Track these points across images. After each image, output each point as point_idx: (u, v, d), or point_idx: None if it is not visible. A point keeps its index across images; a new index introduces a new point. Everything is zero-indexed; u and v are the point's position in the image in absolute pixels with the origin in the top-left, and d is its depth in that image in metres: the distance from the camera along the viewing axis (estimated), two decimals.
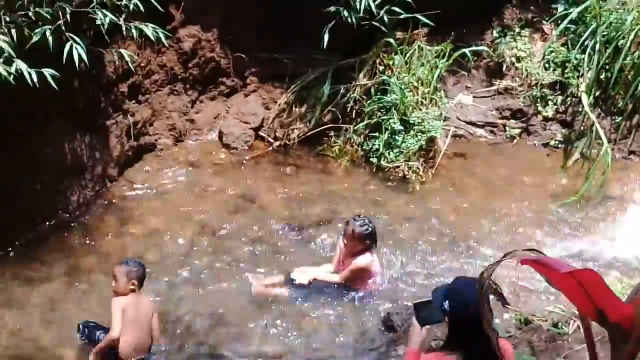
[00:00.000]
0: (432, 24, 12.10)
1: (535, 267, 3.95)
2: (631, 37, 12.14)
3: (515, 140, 12.93)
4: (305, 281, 9.37)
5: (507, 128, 12.99)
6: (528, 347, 7.49)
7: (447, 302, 4.55)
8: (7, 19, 8.20)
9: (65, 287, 9.36)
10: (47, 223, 10.28)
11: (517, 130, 12.95)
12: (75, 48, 8.50)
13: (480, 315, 4.37)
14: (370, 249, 9.25)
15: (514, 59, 13.16)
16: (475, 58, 13.00)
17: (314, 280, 9.42)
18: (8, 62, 7.90)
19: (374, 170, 12.09)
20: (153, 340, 8.28)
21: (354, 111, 12.47)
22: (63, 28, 8.53)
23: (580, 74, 12.66)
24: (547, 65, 13.02)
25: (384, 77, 12.21)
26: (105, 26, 9.10)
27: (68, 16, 8.59)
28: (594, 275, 3.64)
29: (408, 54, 12.35)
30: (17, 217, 9.84)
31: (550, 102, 12.89)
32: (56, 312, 8.96)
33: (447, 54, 12.52)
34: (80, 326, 8.38)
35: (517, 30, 13.36)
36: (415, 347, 5.01)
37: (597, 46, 12.33)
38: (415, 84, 12.26)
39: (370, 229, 9.13)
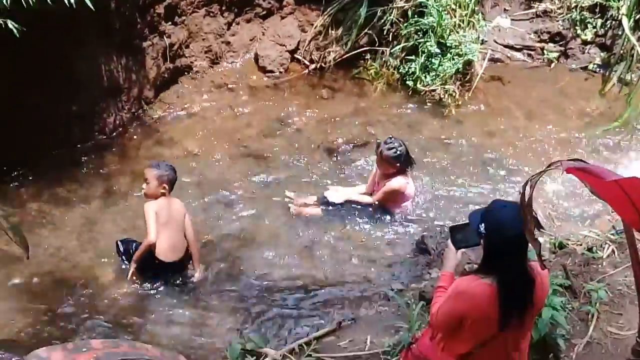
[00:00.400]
0: None
1: (580, 176, 3.89)
2: None
3: (553, 64, 12.82)
4: (339, 200, 9.41)
5: (545, 51, 12.86)
6: (562, 271, 7.49)
7: (483, 224, 4.53)
8: None
9: (101, 208, 9.46)
10: (84, 144, 10.35)
11: (555, 54, 12.83)
12: None
13: (517, 237, 4.39)
14: (405, 172, 9.24)
15: None
16: None
17: (347, 201, 9.47)
18: None
19: (410, 93, 12.05)
20: (188, 243, 8.37)
21: (391, 34, 12.36)
22: None
23: None
24: None
25: None
26: None
27: None
28: None
29: None
30: (55, 138, 9.92)
31: (589, 25, 12.70)
32: (93, 232, 9.07)
33: None
34: (118, 242, 8.48)
35: None
36: (450, 270, 5.02)
37: None
38: (453, 6, 12.11)
39: (399, 152, 9.08)
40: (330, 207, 9.46)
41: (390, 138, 9.23)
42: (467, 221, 4.79)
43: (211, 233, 9.09)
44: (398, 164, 9.11)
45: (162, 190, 8.13)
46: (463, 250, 5.01)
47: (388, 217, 9.34)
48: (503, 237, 4.44)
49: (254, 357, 7.00)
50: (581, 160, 4.02)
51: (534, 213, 4.27)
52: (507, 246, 4.45)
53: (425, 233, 8.97)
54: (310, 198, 9.70)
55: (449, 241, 5.04)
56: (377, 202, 9.38)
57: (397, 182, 9.19)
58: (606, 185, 3.64)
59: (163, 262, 8.18)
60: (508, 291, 4.44)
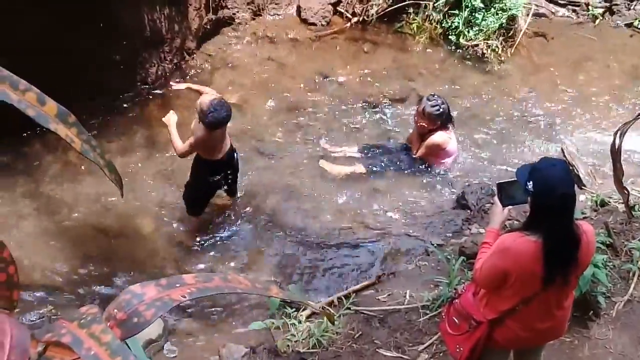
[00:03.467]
0: None
1: None
2: None
3: (597, 20, 12.66)
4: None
5: (590, 7, 12.70)
6: (604, 229, 7.47)
7: (530, 182, 4.50)
8: None
9: (144, 158, 9.51)
10: (126, 94, 10.39)
11: (600, 10, 12.67)
12: None
13: (565, 196, 4.42)
14: (446, 127, 9.24)
15: None
16: None
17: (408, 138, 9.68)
18: None
19: (452, 48, 11.98)
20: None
21: None
22: None
23: None
24: None
25: None
26: None
27: None
28: None
29: None
30: (98, 88, 9.95)
31: None
32: (135, 182, 9.11)
33: None
34: None
35: None
36: (496, 227, 5.00)
37: None
38: None
39: (441, 109, 9.09)
40: (371, 161, 9.50)
41: (433, 95, 9.24)
42: (515, 178, 4.76)
43: (251, 185, 9.11)
44: (439, 122, 9.12)
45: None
46: (509, 207, 4.99)
47: (429, 172, 9.34)
48: (551, 195, 4.41)
49: (293, 309, 7.06)
50: None
51: (575, 171, 4.25)
52: (554, 205, 4.43)
53: (466, 188, 8.97)
54: (350, 149, 9.76)
55: (496, 198, 5.02)
56: (420, 157, 9.39)
57: (440, 137, 9.20)
58: None
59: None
60: (553, 249, 4.43)
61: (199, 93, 8.31)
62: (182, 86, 9.15)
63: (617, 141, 3.77)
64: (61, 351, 1.92)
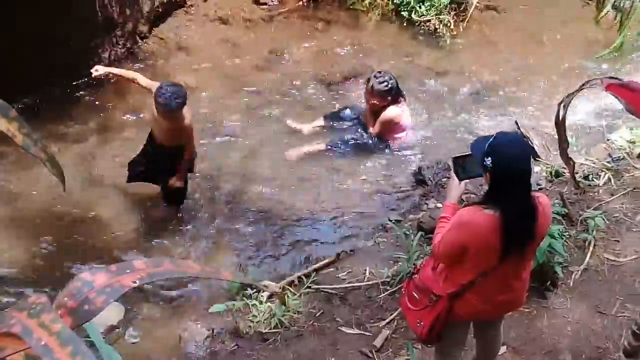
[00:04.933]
0: None
1: (619, 93, 3.84)
2: None
3: None
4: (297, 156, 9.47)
5: None
6: (559, 199, 7.55)
7: (489, 158, 4.52)
8: None
9: (98, 144, 9.41)
10: (79, 80, 10.27)
11: None
12: None
13: (523, 171, 4.50)
14: (397, 102, 9.27)
15: None
16: None
17: (364, 116, 9.65)
18: None
19: (405, 24, 12.00)
20: None
21: None
22: None
23: None
24: None
25: None
26: None
27: None
28: None
29: None
30: (50, 74, 9.83)
31: None
32: (90, 169, 9.02)
33: None
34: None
35: None
36: (454, 201, 5.03)
37: None
38: None
39: (390, 85, 9.12)
40: (330, 137, 9.56)
41: (380, 72, 9.26)
42: (469, 152, 4.78)
43: (209, 168, 9.06)
44: (389, 97, 9.14)
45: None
46: (466, 181, 5.02)
47: (386, 149, 9.36)
48: (509, 172, 4.45)
49: (254, 290, 7.07)
50: (616, 78, 3.98)
51: (530, 142, 4.27)
52: (514, 180, 4.47)
53: (422, 164, 9.01)
54: (315, 122, 9.84)
55: (452, 172, 5.04)
56: (375, 134, 9.39)
57: (392, 112, 9.23)
58: None
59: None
60: (511, 222, 4.46)
61: (125, 78, 8.29)
62: (103, 70, 8.61)
63: (561, 112, 3.78)
64: (12, 341, 1.91)
